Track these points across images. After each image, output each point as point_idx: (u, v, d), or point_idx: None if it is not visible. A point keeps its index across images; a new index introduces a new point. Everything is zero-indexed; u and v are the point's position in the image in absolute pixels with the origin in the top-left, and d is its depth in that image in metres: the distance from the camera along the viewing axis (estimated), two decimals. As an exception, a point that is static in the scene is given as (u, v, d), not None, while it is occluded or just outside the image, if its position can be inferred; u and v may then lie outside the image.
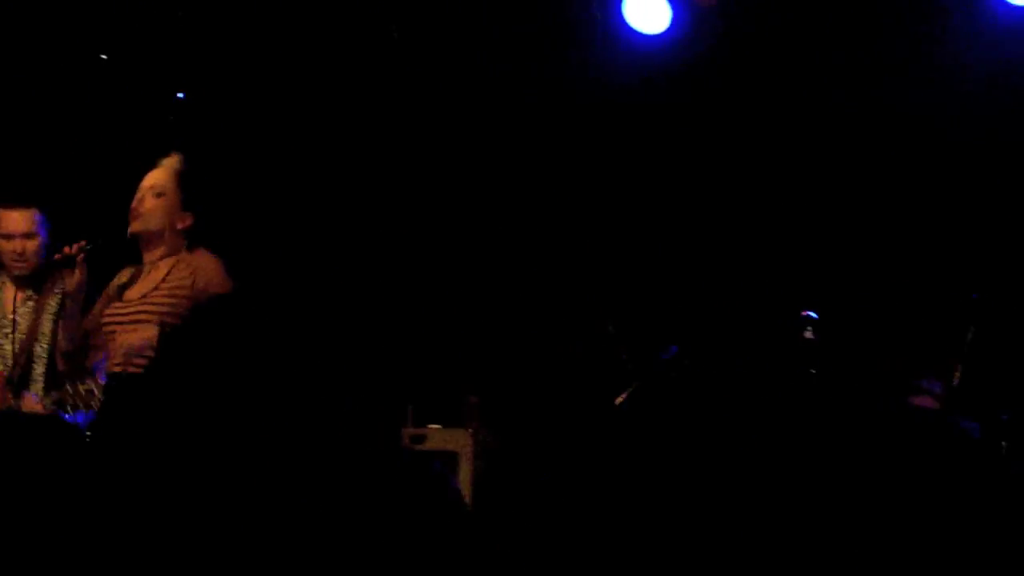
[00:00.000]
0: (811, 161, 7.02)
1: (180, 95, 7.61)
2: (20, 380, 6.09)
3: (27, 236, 6.13)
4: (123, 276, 5.88)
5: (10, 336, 6.13)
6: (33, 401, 5.98)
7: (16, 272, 6.19)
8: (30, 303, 6.18)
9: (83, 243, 5.77)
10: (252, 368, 5.98)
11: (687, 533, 6.34)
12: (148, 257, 5.82)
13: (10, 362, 6.09)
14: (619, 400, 6.11)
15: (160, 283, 5.71)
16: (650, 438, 6.50)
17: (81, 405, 5.69)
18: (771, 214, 7.09)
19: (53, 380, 6.05)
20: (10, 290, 6.21)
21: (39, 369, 6.08)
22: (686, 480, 6.48)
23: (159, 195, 5.78)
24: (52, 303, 6.13)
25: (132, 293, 5.78)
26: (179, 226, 5.80)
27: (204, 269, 5.72)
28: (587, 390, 6.67)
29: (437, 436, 7.26)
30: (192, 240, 5.83)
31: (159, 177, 5.82)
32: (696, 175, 7.11)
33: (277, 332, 6.84)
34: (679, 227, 7.12)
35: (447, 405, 7.27)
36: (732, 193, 7.08)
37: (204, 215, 5.88)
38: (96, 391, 5.68)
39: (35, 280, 6.21)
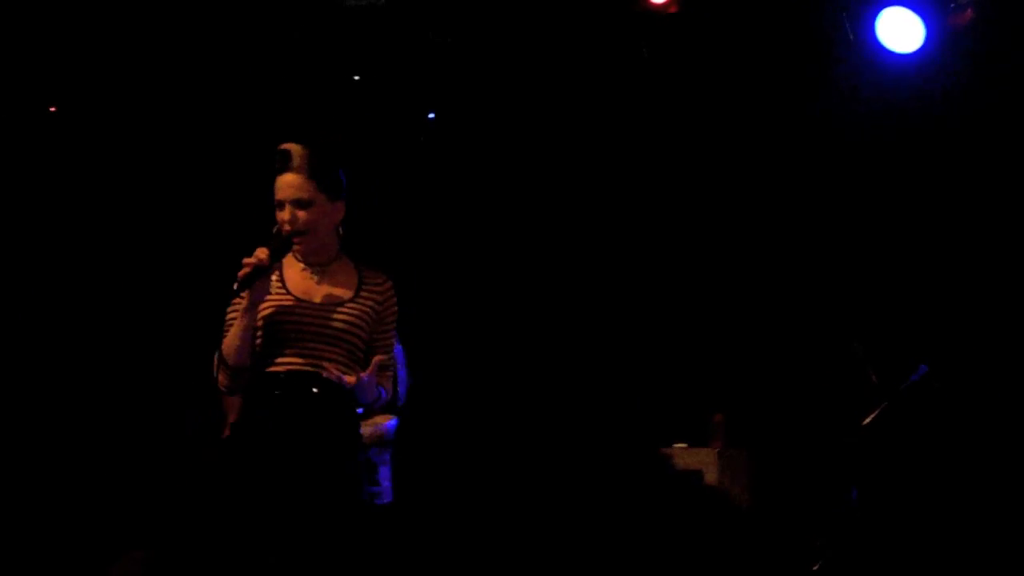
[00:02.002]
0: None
1: (431, 115, 7.79)
2: None
3: None
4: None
5: None
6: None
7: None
8: None
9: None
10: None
11: (941, 554, 6.27)
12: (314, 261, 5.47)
13: None
14: (867, 421, 6.07)
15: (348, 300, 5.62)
16: (899, 460, 6.45)
17: None
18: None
19: None
20: None
21: None
22: (936, 501, 6.41)
23: (308, 204, 5.31)
24: None
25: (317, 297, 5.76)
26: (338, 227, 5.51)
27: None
28: (834, 410, 6.63)
29: (683, 455, 7.30)
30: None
31: (299, 184, 5.35)
32: (948, 194, 7.02)
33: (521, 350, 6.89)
34: (931, 247, 7.03)
35: (693, 423, 7.31)
36: (985, 212, 6.97)
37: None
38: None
39: None
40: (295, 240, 5.24)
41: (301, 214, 5.21)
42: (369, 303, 5.31)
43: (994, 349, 6.80)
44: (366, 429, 6.12)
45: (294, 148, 5.23)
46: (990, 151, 6.98)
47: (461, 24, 7.32)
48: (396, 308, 5.37)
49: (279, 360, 5.22)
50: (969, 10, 6.58)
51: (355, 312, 5.27)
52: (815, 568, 6.18)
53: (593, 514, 7.20)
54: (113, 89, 7.56)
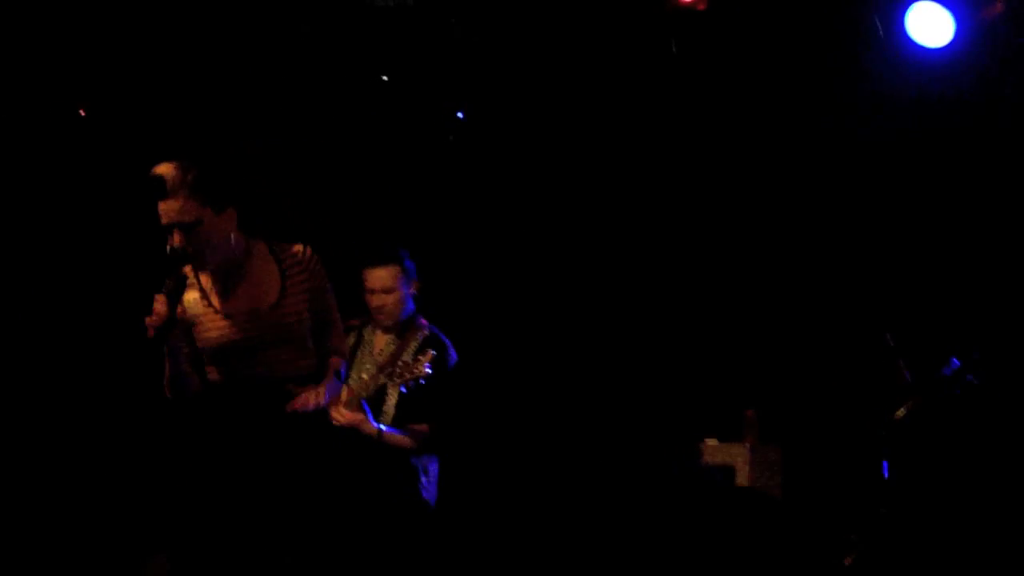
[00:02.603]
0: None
1: (460, 115, 7.80)
2: (373, 407, 6.43)
3: (386, 291, 6.53)
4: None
5: (370, 371, 6.46)
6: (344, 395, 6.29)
7: (380, 322, 6.61)
8: (391, 347, 6.55)
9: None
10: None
11: (971, 547, 6.25)
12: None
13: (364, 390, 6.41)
14: (899, 414, 6.07)
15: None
16: (932, 454, 6.43)
17: (408, 376, 6.12)
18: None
19: (403, 413, 6.42)
20: (380, 338, 6.64)
21: (391, 400, 6.42)
22: (969, 497, 6.39)
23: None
24: (413, 346, 6.48)
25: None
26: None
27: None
28: (866, 404, 6.62)
29: (714, 451, 7.29)
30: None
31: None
32: (979, 187, 7.01)
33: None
34: (962, 240, 7.02)
35: (725, 419, 7.30)
36: (1017, 205, 6.95)
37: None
38: (424, 358, 6.12)
39: (400, 328, 6.61)
40: (197, 264, 5.19)
41: (192, 237, 5.09)
42: (300, 287, 5.28)
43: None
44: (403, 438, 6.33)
45: (166, 171, 5.08)
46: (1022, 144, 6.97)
47: (490, 23, 7.34)
48: (323, 269, 5.34)
49: (243, 375, 5.22)
50: (999, 3, 6.57)
51: (291, 307, 5.24)
52: (848, 562, 6.18)
53: (624, 510, 7.20)
54: (142, 91, 7.59)
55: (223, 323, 5.19)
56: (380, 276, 6.54)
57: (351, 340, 6.57)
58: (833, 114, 7.18)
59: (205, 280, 5.26)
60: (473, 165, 7.88)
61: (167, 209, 5.07)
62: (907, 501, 6.31)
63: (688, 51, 7.22)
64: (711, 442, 7.28)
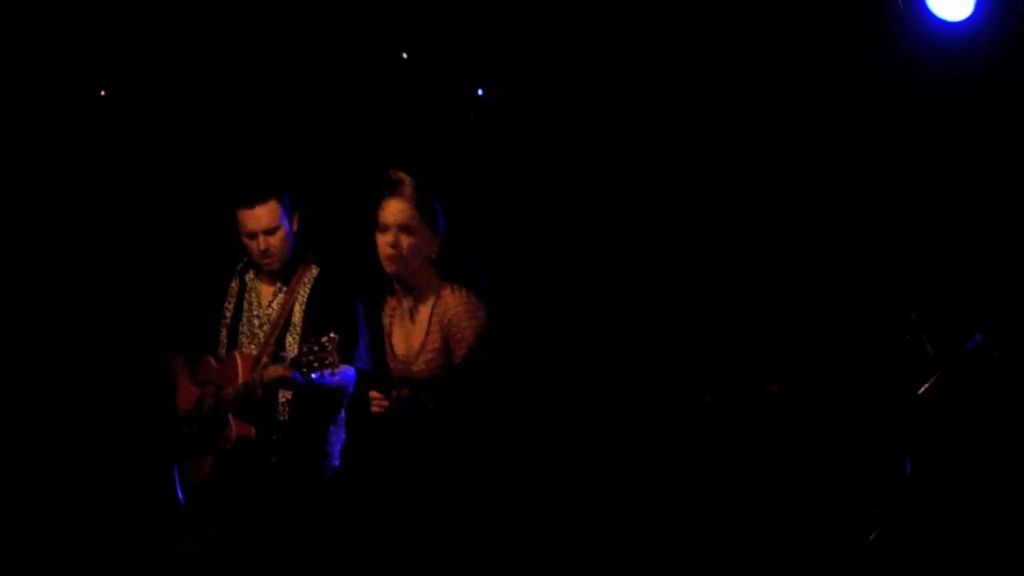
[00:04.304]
0: None
1: (480, 92, 7.79)
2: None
3: (269, 232, 6.15)
4: (387, 315, 6.07)
5: (265, 328, 6.23)
6: (277, 368, 6.03)
7: (265, 269, 6.25)
8: (281, 295, 6.24)
9: (331, 335, 5.77)
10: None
11: (995, 523, 6.26)
12: (407, 302, 5.86)
13: (262, 351, 6.19)
14: (922, 390, 6.07)
15: (419, 349, 5.81)
16: (954, 430, 6.44)
17: (317, 364, 5.74)
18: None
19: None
20: (265, 287, 6.31)
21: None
22: (990, 472, 6.40)
23: (409, 231, 5.70)
24: (302, 293, 6.20)
25: (400, 347, 5.94)
26: (431, 255, 5.78)
27: (454, 319, 5.75)
28: (889, 379, 6.62)
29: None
30: (440, 266, 5.84)
31: (402, 210, 5.73)
32: (1000, 161, 6.98)
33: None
34: (983, 215, 7.01)
35: (747, 395, 7.30)
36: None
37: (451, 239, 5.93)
38: (331, 346, 5.69)
39: (285, 272, 6.27)
40: (399, 267, 5.61)
41: (406, 240, 5.58)
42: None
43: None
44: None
45: (405, 176, 5.60)
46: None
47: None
48: None
49: None
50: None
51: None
52: (872, 537, 6.18)
53: (643, 490, 7.22)
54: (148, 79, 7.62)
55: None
56: (259, 215, 6.14)
57: (234, 285, 6.33)
58: (851, 88, 7.16)
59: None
60: (495, 142, 7.87)
61: (397, 208, 5.56)
62: (930, 477, 6.32)
63: (704, 24, 7.21)
64: (733, 417, 7.30)
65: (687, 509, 7.13)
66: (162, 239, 7.62)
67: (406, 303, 5.82)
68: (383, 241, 5.66)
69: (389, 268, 5.74)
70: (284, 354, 6.04)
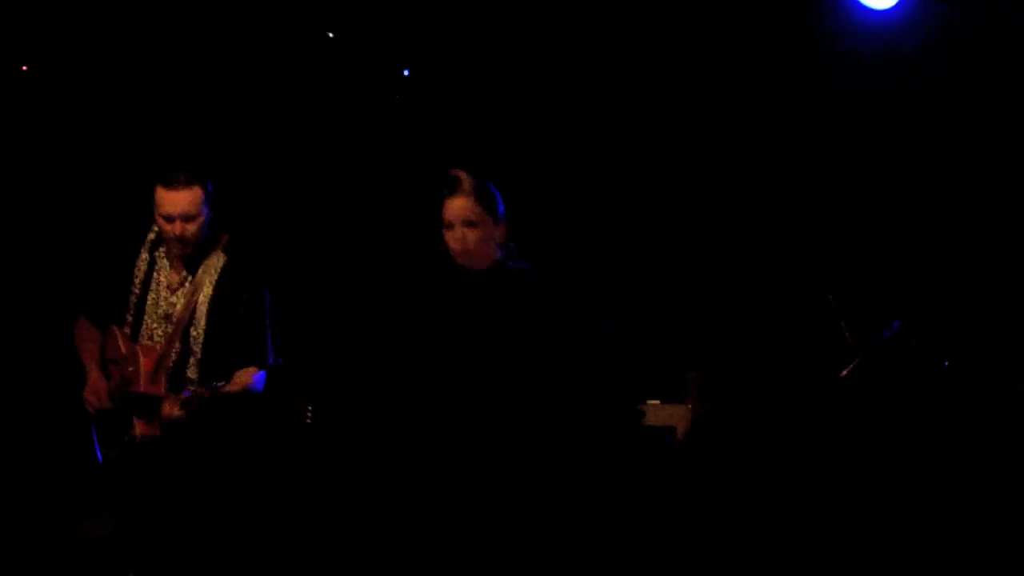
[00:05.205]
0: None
1: (406, 72, 7.74)
2: (177, 365, 6.12)
3: (188, 219, 6.06)
4: None
5: (171, 318, 6.12)
6: (173, 405, 6.00)
7: (176, 252, 6.14)
8: (187, 286, 6.15)
9: (306, 407, 5.82)
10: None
11: (910, 508, 6.28)
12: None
13: (168, 346, 6.09)
14: (844, 373, 6.09)
15: None
16: (873, 414, 6.46)
17: (208, 394, 5.77)
18: (997, 195, 6.99)
19: (210, 369, 6.08)
20: (173, 272, 6.18)
21: (196, 355, 6.08)
22: (908, 454, 6.42)
23: (473, 224, 5.88)
24: (208, 286, 6.11)
25: None
26: (500, 240, 5.99)
27: None
28: (808, 363, 6.64)
29: (656, 411, 7.29)
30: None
31: (463, 206, 5.89)
32: (923, 151, 7.04)
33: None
34: (904, 202, 7.05)
35: (666, 380, 7.30)
36: (960, 169, 6.98)
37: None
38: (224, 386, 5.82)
39: (194, 258, 6.18)
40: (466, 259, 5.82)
41: (472, 233, 5.80)
42: None
43: (967, 305, 6.82)
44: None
45: (463, 174, 5.85)
46: (967, 108, 6.98)
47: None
48: None
49: None
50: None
51: None
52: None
53: (565, 472, 7.19)
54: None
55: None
56: (179, 200, 6.02)
57: (144, 258, 6.22)
58: (779, 77, 7.18)
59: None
60: (421, 125, 7.82)
61: (459, 205, 5.80)
62: (850, 464, 6.33)
63: (635, 16, 7.22)
64: (653, 403, 7.28)
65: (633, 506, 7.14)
66: (78, 205, 7.55)
67: None
68: (451, 237, 5.92)
69: (462, 261, 5.95)
70: (182, 395, 6.03)
